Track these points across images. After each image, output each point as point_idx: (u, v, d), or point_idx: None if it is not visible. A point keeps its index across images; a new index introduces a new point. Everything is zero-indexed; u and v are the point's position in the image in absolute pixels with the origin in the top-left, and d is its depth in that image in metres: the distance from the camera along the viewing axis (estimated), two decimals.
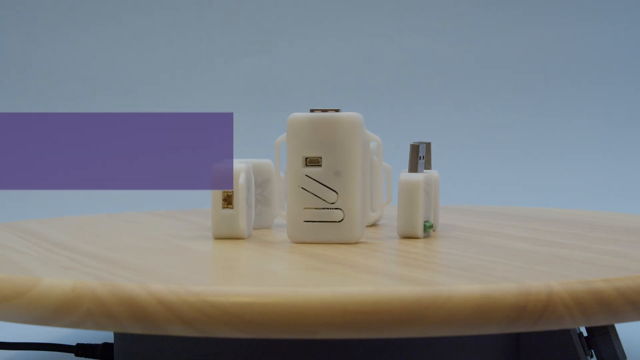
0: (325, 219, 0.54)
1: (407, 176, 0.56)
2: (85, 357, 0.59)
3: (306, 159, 0.54)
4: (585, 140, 1.44)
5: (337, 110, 0.54)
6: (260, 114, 1.36)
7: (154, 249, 0.54)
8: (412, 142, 0.56)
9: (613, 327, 0.56)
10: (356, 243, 0.54)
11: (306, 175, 0.54)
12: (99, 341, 0.60)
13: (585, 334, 0.56)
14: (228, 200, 0.57)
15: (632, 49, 1.48)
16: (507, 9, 1.48)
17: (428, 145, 0.60)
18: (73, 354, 0.60)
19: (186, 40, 1.45)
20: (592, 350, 0.55)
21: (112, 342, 0.58)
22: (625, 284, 0.40)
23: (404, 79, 1.46)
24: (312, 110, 0.54)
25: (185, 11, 1.45)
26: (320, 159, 0.54)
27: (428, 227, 0.57)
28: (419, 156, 0.56)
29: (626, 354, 0.57)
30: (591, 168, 1.40)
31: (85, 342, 0.59)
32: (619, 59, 1.48)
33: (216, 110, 1.38)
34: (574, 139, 1.43)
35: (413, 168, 0.56)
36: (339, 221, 0.54)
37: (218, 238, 0.58)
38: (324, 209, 0.54)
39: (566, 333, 0.54)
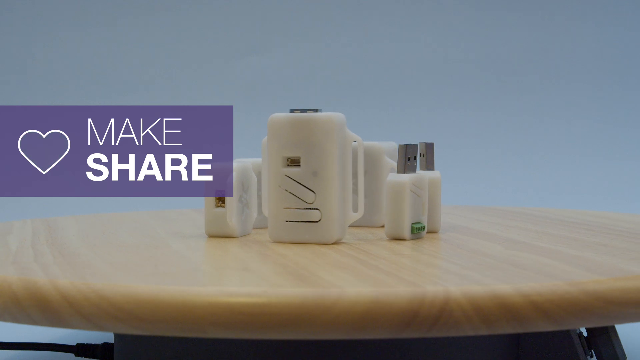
0: (303, 219, 0.54)
1: (393, 177, 0.55)
2: (85, 357, 0.59)
3: (288, 159, 0.54)
4: (586, 140, 1.44)
5: (315, 111, 0.54)
6: (261, 113, 1.36)
7: (133, 246, 0.55)
8: (401, 143, 0.56)
9: (613, 327, 0.55)
10: (334, 243, 0.54)
11: (286, 175, 0.54)
12: (99, 341, 0.60)
13: (585, 334, 0.56)
14: (222, 199, 0.57)
15: (632, 49, 1.48)
16: (507, 9, 1.48)
17: (429, 145, 0.59)
18: (73, 354, 0.60)
19: (186, 40, 1.45)
20: (592, 350, 0.55)
21: (112, 342, 0.58)
22: (535, 290, 0.38)
23: (406, 80, 1.46)
24: (291, 111, 0.54)
25: (185, 11, 1.45)
26: (299, 159, 0.54)
27: (417, 229, 0.56)
28: (407, 157, 0.55)
29: (626, 354, 0.57)
30: (591, 168, 1.40)
31: (85, 342, 0.59)
32: (620, 59, 1.48)
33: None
34: (574, 139, 1.44)
35: (401, 169, 0.56)
36: (317, 221, 0.54)
37: (212, 236, 0.58)
38: (302, 209, 0.54)
39: (566, 333, 0.54)
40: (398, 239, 0.55)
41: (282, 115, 0.54)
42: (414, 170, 0.56)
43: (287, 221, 0.54)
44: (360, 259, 0.48)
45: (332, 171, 0.53)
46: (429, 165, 0.59)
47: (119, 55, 1.44)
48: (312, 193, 0.54)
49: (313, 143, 0.53)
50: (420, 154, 0.59)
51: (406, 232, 0.55)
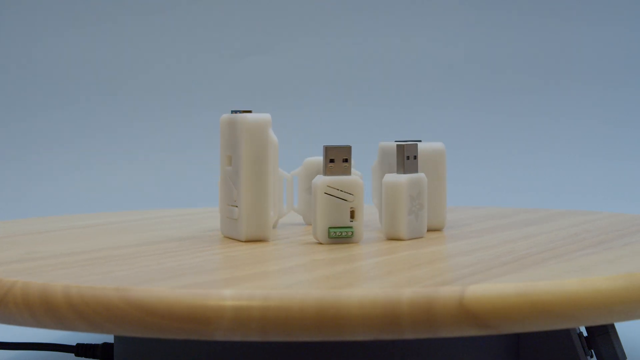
0: (230, 215, 0.57)
1: (315, 179, 0.55)
2: (85, 357, 0.59)
3: (227, 157, 0.57)
4: (586, 140, 1.44)
5: (239, 112, 0.56)
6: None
7: (104, 232, 0.56)
8: (325, 144, 0.55)
9: (613, 327, 0.56)
10: (246, 241, 0.56)
11: (226, 174, 0.57)
12: (99, 341, 0.60)
13: (585, 334, 0.56)
14: None
15: (634, 48, 1.48)
16: (507, 10, 1.48)
17: (399, 147, 0.57)
18: (73, 354, 0.60)
19: (186, 40, 1.45)
20: (592, 350, 0.55)
21: (112, 342, 0.58)
22: (79, 292, 0.39)
23: (408, 80, 1.46)
24: (232, 112, 0.57)
25: (185, 11, 1.45)
26: (231, 158, 0.57)
27: (337, 234, 0.55)
28: (330, 159, 0.54)
29: (626, 354, 0.57)
30: (592, 168, 1.40)
31: (85, 342, 0.59)
32: (621, 58, 1.48)
33: (216, 110, 1.38)
34: (575, 139, 1.44)
35: (323, 171, 0.55)
36: (236, 219, 0.56)
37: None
38: (231, 206, 0.57)
39: (566, 333, 0.54)
40: (317, 241, 0.55)
41: (225, 115, 0.58)
42: (342, 172, 0.55)
43: (226, 217, 0.58)
44: (177, 256, 0.50)
45: (245, 170, 0.55)
46: (398, 168, 0.57)
47: (117, 55, 1.44)
48: (235, 191, 0.56)
49: (235, 143, 0.56)
50: (408, 157, 0.57)
51: (319, 235, 0.55)
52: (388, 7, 1.47)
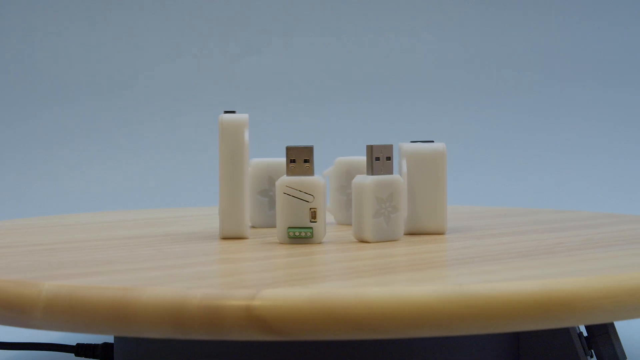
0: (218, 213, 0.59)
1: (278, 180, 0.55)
2: (85, 357, 0.59)
3: None
4: (586, 141, 1.44)
5: (225, 112, 0.57)
6: (261, 114, 1.36)
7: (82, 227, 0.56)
8: (287, 145, 0.55)
9: (613, 327, 0.56)
10: (224, 239, 0.57)
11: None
12: (99, 341, 0.60)
13: (585, 334, 0.56)
14: None
15: (633, 49, 1.48)
16: (507, 8, 1.48)
17: (368, 148, 0.55)
18: (73, 354, 0.60)
19: (186, 40, 1.45)
20: (592, 350, 0.55)
21: (112, 342, 0.58)
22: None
23: (408, 79, 1.46)
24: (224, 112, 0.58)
25: (185, 11, 1.45)
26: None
27: (296, 234, 0.55)
28: (291, 159, 0.54)
29: (626, 354, 0.57)
30: (594, 168, 1.40)
31: (85, 342, 0.59)
32: (620, 58, 1.48)
33: (215, 110, 1.39)
34: (574, 139, 1.44)
35: (286, 171, 0.55)
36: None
37: None
38: None
39: (566, 333, 0.54)
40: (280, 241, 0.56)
41: (220, 116, 0.58)
42: (303, 173, 0.55)
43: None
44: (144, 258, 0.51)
45: (221, 170, 0.56)
46: (367, 169, 0.56)
47: (117, 55, 1.44)
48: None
49: (219, 142, 0.57)
50: (378, 157, 0.55)
51: (279, 235, 0.55)
52: (388, 7, 1.47)
